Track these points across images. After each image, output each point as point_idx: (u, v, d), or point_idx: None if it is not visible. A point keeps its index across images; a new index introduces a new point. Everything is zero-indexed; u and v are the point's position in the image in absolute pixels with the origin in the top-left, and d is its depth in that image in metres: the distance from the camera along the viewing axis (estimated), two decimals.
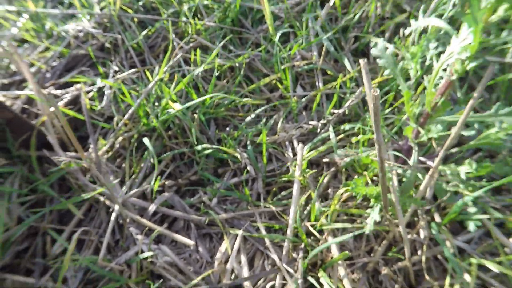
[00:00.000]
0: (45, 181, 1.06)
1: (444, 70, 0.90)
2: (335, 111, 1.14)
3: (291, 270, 0.89)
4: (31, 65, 1.39)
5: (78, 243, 1.01)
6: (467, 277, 0.87)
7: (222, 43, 1.26)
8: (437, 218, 0.95)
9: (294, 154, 1.09)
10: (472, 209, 0.89)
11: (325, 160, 1.07)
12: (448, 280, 0.87)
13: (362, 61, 0.70)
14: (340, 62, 1.26)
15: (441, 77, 0.90)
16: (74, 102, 1.24)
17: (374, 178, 1.01)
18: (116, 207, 0.98)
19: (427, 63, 1.05)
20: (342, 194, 1.00)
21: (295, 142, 1.11)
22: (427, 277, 0.89)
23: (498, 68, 1.23)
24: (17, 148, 1.06)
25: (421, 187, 0.91)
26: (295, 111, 1.17)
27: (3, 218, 0.95)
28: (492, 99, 1.19)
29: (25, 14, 1.57)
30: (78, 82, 1.29)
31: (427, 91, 0.90)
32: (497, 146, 0.94)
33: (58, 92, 1.21)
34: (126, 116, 1.16)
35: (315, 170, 1.04)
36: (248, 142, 1.10)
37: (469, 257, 0.94)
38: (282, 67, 1.20)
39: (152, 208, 0.99)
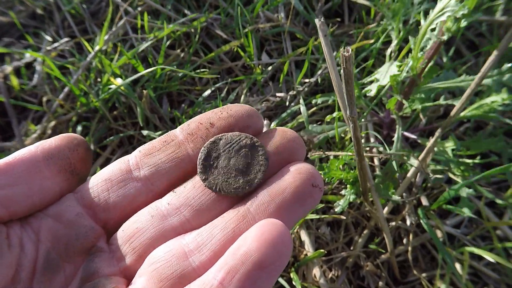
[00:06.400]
0: None
1: (432, 30, 0.76)
2: (306, 80, 0.99)
3: None
4: None
5: None
6: (458, 267, 0.77)
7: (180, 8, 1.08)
8: (424, 201, 0.84)
9: None
10: (464, 191, 0.78)
11: None
12: (438, 271, 0.76)
13: (317, 21, 0.55)
14: (311, 24, 1.10)
15: (429, 39, 0.76)
16: None
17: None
18: None
19: (411, 21, 0.91)
20: None
21: None
22: (414, 270, 0.78)
23: (486, 28, 1.10)
24: None
25: (409, 174, 0.78)
26: (260, 82, 1.01)
27: None
28: (480, 64, 1.06)
29: None
30: (2, 58, 1.09)
31: (412, 54, 0.76)
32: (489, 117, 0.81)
33: None
34: (61, 96, 0.98)
35: None
36: None
37: (459, 243, 0.83)
38: (245, 31, 1.03)
39: None
